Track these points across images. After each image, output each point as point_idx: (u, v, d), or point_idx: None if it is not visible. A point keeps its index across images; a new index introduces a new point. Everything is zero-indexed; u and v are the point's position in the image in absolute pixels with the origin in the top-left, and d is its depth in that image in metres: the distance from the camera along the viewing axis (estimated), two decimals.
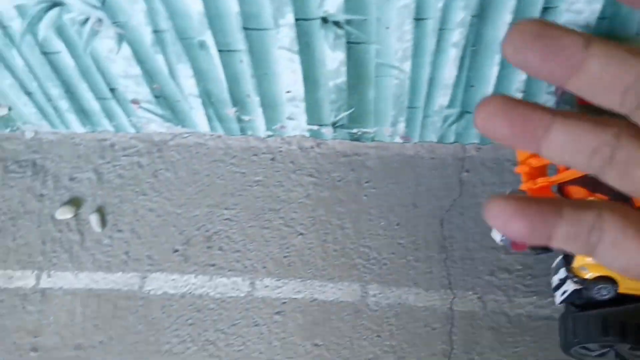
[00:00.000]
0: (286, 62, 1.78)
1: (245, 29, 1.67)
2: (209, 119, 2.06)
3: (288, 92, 1.90)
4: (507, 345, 1.81)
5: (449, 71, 1.77)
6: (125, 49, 1.78)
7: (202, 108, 2.01)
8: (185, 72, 1.85)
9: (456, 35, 1.64)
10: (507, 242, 1.63)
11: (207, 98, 1.96)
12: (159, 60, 1.81)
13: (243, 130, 2.12)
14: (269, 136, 2.15)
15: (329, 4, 1.58)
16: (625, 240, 0.21)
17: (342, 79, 1.82)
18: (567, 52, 0.19)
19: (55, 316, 1.90)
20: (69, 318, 1.89)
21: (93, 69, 1.87)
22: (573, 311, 1.55)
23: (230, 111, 2.02)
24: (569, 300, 1.52)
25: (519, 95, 1.86)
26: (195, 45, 1.75)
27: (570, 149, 0.21)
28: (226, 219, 2.03)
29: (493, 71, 1.75)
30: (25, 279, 1.96)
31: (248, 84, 1.88)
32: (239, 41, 1.71)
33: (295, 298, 1.90)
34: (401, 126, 1.99)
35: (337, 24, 1.64)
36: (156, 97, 1.97)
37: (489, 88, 1.84)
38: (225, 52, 1.76)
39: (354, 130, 2.05)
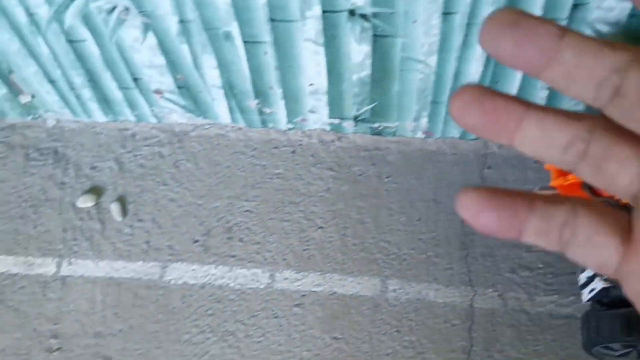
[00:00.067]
0: (311, 55, 1.78)
1: (272, 20, 1.67)
2: (231, 111, 2.06)
3: (311, 84, 1.90)
4: (528, 343, 1.80)
5: (475, 67, 1.76)
6: (151, 39, 1.78)
7: (225, 99, 2.01)
8: (209, 63, 1.85)
9: None
10: None
11: (230, 89, 1.96)
12: (183, 51, 1.82)
13: (264, 123, 2.12)
14: (290, 129, 2.14)
15: None
16: (598, 237, 0.20)
17: (366, 72, 1.81)
18: (541, 41, 0.19)
19: (75, 304, 1.91)
20: (89, 306, 1.90)
21: (118, 58, 1.87)
22: (599, 309, 1.54)
23: (253, 103, 2.01)
24: (595, 299, 1.51)
25: (545, 94, 1.84)
26: (221, 36, 1.74)
27: (544, 142, 0.21)
28: (246, 211, 2.03)
29: None
30: (46, 266, 1.97)
31: (271, 76, 1.88)
32: (264, 32, 1.71)
33: (315, 291, 1.90)
34: (424, 121, 1.99)
35: (364, 16, 1.63)
36: (179, 87, 1.98)
37: (514, 84, 1.82)
38: (250, 43, 1.76)
39: (376, 125, 2.04)
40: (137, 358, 1.82)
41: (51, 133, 2.22)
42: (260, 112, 2.06)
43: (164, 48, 1.81)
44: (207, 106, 2.06)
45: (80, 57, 1.89)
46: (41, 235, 2.02)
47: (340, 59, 1.77)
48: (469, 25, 1.61)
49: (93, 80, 1.98)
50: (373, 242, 1.96)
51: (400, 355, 1.81)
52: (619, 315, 1.51)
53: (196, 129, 2.18)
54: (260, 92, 1.95)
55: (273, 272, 1.94)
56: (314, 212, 2.02)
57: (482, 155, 2.02)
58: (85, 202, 2.04)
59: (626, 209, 0.21)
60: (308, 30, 1.68)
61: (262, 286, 1.92)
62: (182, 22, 1.71)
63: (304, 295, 1.90)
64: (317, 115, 2.05)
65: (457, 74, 1.78)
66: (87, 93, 2.05)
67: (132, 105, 2.09)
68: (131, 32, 1.77)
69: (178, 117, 2.14)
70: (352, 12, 1.62)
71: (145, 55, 1.85)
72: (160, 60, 1.86)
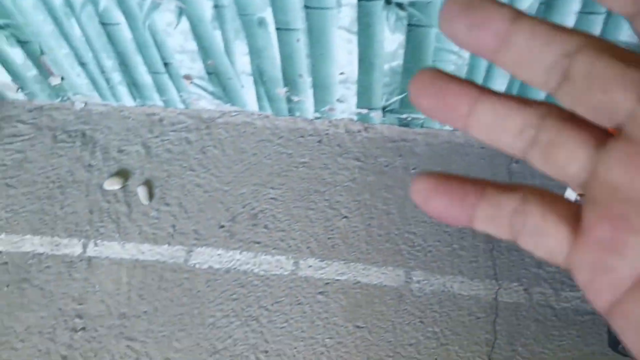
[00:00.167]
0: (343, 43, 1.78)
1: (307, 7, 1.67)
2: (259, 98, 2.07)
3: (341, 73, 1.90)
4: (552, 338, 1.79)
5: None
6: (184, 23, 1.79)
7: (253, 87, 2.01)
8: (240, 50, 1.86)
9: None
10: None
11: (259, 77, 1.96)
12: (216, 36, 1.82)
13: (291, 111, 2.12)
14: (317, 118, 2.15)
15: None
16: (547, 226, 0.20)
17: (398, 62, 1.81)
18: (493, 25, 0.19)
19: (100, 285, 1.92)
20: (115, 287, 1.91)
21: (150, 42, 1.88)
22: None
23: (281, 91, 2.02)
24: None
25: None
26: (254, 22, 1.75)
27: (496, 128, 0.20)
28: (272, 198, 2.04)
29: None
30: (72, 247, 1.99)
31: (302, 64, 1.88)
32: (298, 19, 1.71)
33: (339, 279, 1.91)
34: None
35: (400, 5, 1.63)
36: (209, 73, 1.98)
37: None
38: (283, 30, 1.76)
39: (404, 116, 2.04)
40: (160, 340, 1.83)
41: (79, 116, 2.24)
42: (289, 100, 2.06)
43: (197, 33, 1.82)
44: (236, 93, 2.06)
45: (113, 40, 1.90)
46: (68, 216, 2.04)
47: (372, 47, 1.77)
48: None
49: (124, 64, 1.99)
50: (398, 234, 1.96)
51: (424, 346, 1.81)
52: None
53: (223, 115, 2.19)
54: (290, 80, 1.96)
55: (297, 260, 1.94)
56: (339, 202, 2.03)
57: None
58: (112, 185, 2.05)
59: None
60: (342, 18, 1.69)
61: (286, 273, 1.92)
62: (217, 7, 1.72)
63: (327, 284, 1.91)
64: (345, 105, 2.05)
65: (489, 67, 1.78)
66: (116, 77, 2.07)
67: (160, 90, 2.10)
68: (165, 16, 1.78)
69: (206, 103, 2.15)
70: (388, 1, 1.62)
71: (177, 39, 1.86)
72: (192, 45, 1.87)
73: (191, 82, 2.04)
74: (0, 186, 2.11)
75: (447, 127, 2.05)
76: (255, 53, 1.86)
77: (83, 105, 2.25)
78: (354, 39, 1.74)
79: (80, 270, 1.95)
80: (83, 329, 1.86)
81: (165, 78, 2.03)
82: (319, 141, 2.13)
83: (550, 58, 0.18)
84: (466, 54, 1.74)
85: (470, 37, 0.19)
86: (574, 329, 1.80)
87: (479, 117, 0.20)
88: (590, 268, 0.19)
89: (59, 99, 2.24)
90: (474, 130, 0.21)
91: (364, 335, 1.84)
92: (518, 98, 0.20)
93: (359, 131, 2.12)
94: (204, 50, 1.88)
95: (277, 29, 1.75)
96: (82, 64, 2.03)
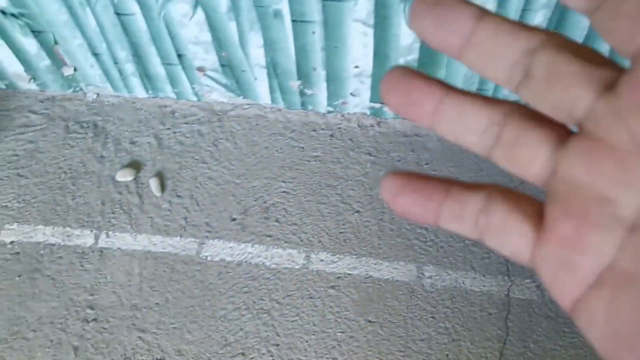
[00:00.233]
0: (359, 36, 1.77)
1: None
2: (272, 91, 2.06)
3: (356, 67, 1.89)
4: (564, 335, 1.79)
5: None
6: (200, 14, 1.79)
7: (267, 79, 2.01)
8: (255, 41, 1.85)
9: (539, 17, 1.61)
10: None
11: (273, 69, 1.95)
12: (231, 28, 1.82)
13: (304, 105, 2.12)
14: (329, 112, 2.14)
15: None
16: (511, 224, 0.20)
17: (413, 56, 1.80)
18: (459, 23, 0.19)
19: (112, 276, 1.92)
20: (126, 278, 1.91)
21: (164, 33, 1.88)
22: None
23: (294, 84, 2.01)
24: None
25: None
26: (270, 14, 1.74)
27: (461, 126, 0.20)
28: (283, 192, 2.04)
29: None
30: (84, 238, 1.99)
31: (317, 57, 1.87)
32: (314, 12, 1.71)
33: (350, 274, 1.90)
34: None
35: None
36: (222, 65, 1.98)
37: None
38: (299, 22, 1.75)
39: None
40: (172, 332, 1.83)
41: (91, 107, 2.24)
42: (302, 94, 2.05)
43: (212, 24, 1.81)
44: (249, 86, 2.06)
45: (127, 31, 1.90)
46: (80, 207, 2.04)
47: (388, 41, 1.76)
48: (524, 11, 1.59)
49: (137, 55, 1.99)
50: (410, 229, 1.95)
51: (435, 341, 1.80)
52: None
53: (235, 108, 2.18)
54: (303, 73, 1.95)
55: (309, 254, 1.94)
56: (351, 196, 2.02)
57: None
58: (124, 176, 2.05)
59: None
60: (359, 10, 1.68)
61: (297, 267, 1.92)
62: None
63: (339, 278, 1.90)
64: (358, 99, 2.04)
65: None
66: (130, 68, 2.06)
67: (173, 82, 2.09)
68: (180, 7, 1.78)
69: (218, 96, 2.15)
70: None
71: (192, 31, 1.86)
72: (207, 36, 1.86)
73: (204, 74, 2.03)
74: (12, 176, 2.11)
75: None
76: (269, 45, 1.86)
77: (95, 96, 2.24)
78: (370, 32, 1.74)
79: (92, 261, 1.95)
80: (95, 319, 1.86)
81: (178, 70, 2.03)
82: (331, 135, 2.13)
83: (513, 56, 0.19)
84: None
85: (437, 35, 0.19)
86: None
87: (444, 115, 0.20)
88: (553, 265, 0.19)
89: (71, 90, 2.24)
90: (440, 128, 0.21)
91: (375, 330, 1.83)
92: (483, 97, 0.20)
93: (372, 125, 2.11)
94: (219, 42, 1.88)
95: (293, 20, 1.75)
96: (96, 55, 2.03)
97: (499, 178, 1.97)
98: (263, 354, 1.79)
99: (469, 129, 0.20)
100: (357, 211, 2.00)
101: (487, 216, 0.21)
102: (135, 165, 2.09)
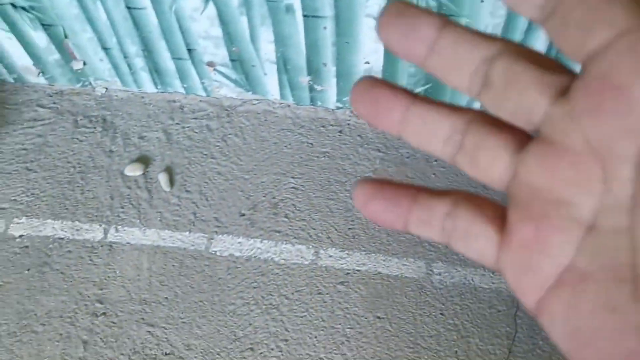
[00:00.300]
0: (370, 31, 1.77)
1: None
2: (281, 87, 2.06)
3: (366, 62, 1.89)
4: None
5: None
6: (211, 9, 1.78)
7: (276, 75, 2.01)
8: (266, 37, 1.85)
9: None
10: None
11: (283, 64, 1.95)
12: (242, 22, 1.81)
13: (313, 101, 2.12)
14: (338, 108, 2.14)
15: None
16: (476, 228, 0.21)
17: None
18: (421, 32, 0.20)
19: (121, 270, 1.92)
20: (136, 273, 1.91)
21: (175, 27, 1.88)
22: None
23: (304, 79, 2.01)
24: None
25: None
26: (282, 9, 1.74)
27: (426, 134, 0.21)
28: (292, 188, 2.03)
29: None
30: (93, 232, 1.99)
31: (327, 52, 1.87)
32: (326, 6, 1.70)
33: (359, 270, 1.90)
34: (477, 105, 1.97)
35: None
36: (232, 60, 1.98)
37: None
38: (310, 17, 1.75)
39: None
40: (181, 326, 1.83)
41: (100, 101, 2.24)
42: (311, 89, 2.05)
43: (223, 19, 1.81)
44: (258, 81, 2.06)
45: (138, 25, 1.89)
46: (89, 201, 2.04)
47: None
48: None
49: (147, 50, 1.99)
50: None
51: (444, 338, 1.80)
52: None
53: (244, 104, 2.18)
54: (314, 69, 1.95)
55: (318, 249, 1.94)
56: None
57: None
58: (133, 171, 2.05)
59: None
60: (371, 5, 1.67)
61: (306, 262, 1.92)
62: None
63: (348, 274, 1.90)
64: None
65: None
66: (139, 62, 2.06)
67: (183, 77, 2.09)
68: (192, 1, 1.77)
69: (227, 91, 2.14)
70: None
71: (203, 25, 1.85)
72: (217, 31, 1.86)
73: (214, 69, 2.03)
74: (20, 170, 2.11)
75: None
76: (280, 40, 1.85)
77: (104, 90, 2.24)
78: None
79: (101, 255, 1.95)
80: (104, 314, 1.86)
81: (188, 64, 2.03)
82: (340, 131, 2.12)
83: (473, 64, 0.19)
84: None
85: (402, 44, 0.20)
86: None
87: (410, 124, 0.21)
88: (516, 268, 0.20)
89: (80, 84, 2.24)
90: (407, 135, 0.22)
91: (384, 326, 1.83)
92: (447, 105, 0.21)
93: None
94: (229, 37, 1.87)
95: (305, 15, 1.74)
96: (106, 49, 2.03)
97: None
98: (272, 349, 1.80)
99: (434, 136, 0.21)
100: None
101: (453, 221, 0.21)
102: (144, 160, 2.09)
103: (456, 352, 1.79)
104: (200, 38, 1.90)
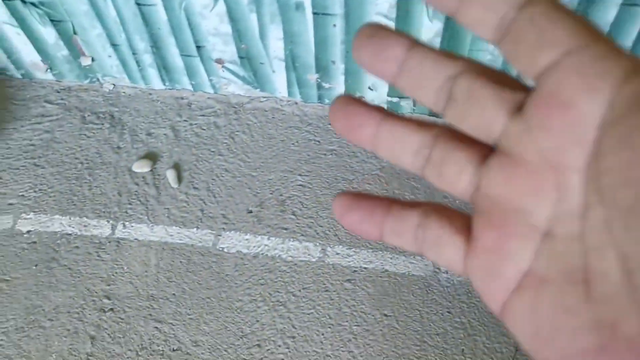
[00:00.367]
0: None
1: None
2: (289, 84, 2.06)
3: None
4: None
5: None
6: (221, 6, 1.79)
7: (285, 72, 2.01)
8: (275, 34, 1.85)
9: None
10: None
11: (292, 62, 1.96)
12: (251, 20, 1.82)
13: (320, 98, 2.12)
14: None
15: None
16: (445, 237, 0.22)
17: None
18: (392, 52, 0.21)
19: (129, 266, 1.93)
20: (143, 269, 1.92)
21: (184, 24, 1.88)
22: None
23: (312, 77, 2.01)
24: None
25: None
26: (292, 6, 1.74)
27: (397, 148, 0.22)
28: (300, 185, 2.04)
29: None
30: (101, 228, 1.99)
31: (336, 50, 1.87)
32: (336, 4, 1.70)
33: (366, 267, 1.91)
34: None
35: None
36: (241, 57, 1.98)
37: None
38: (320, 15, 1.75)
39: None
40: (188, 322, 1.84)
41: (107, 97, 2.24)
42: (319, 87, 2.05)
43: (232, 16, 1.81)
44: (266, 78, 2.06)
45: (147, 22, 1.90)
46: (96, 197, 2.04)
47: None
48: None
49: (156, 47, 1.99)
50: None
51: (451, 336, 1.81)
52: None
53: (252, 101, 2.19)
54: (322, 66, 1.95)
55: (325, 247, 1.94)
56: (368, 190, 2.02)
57: None
58: (141, 167, 2.05)
59: None
60: (381, 3, 1.68)
61: (313, 260, 1.92)
62: None
63: (355, 271, 1.91)
64: (376, 93, 2.04)
65: None
66: (148, 59, 2.06)
67: (191, 73, 2.09)
68: None
69: (235, 88, 2.15)
70: None
71: (212, 22, 1.86)
72: (227, 28, 1.86)
73: (222, 66, 2.03)
74: (28, 166, 2.12)
75: None
76: (289, 38, 1.86)
77: (112, 87, 2.24)
78: (392, 25, 1.73)
79: (108, 251, 1.95)
80: (111, 309, 1.87)
81: (196, 61, 2.03)
82: None
83: (438, 82, 0.21)
84: None
85: (374, 63, 0.21)
86: None
87: (382, 139, 0.23)
88: (481, 273, 0.21)
89: (88, 80, 2.24)
90: (379, 150, 0.23)
91: (391, 324, 1.84)
92: (416, 121, 0.23)
93: None
94: (239, 34, 1.88)
95: (314, 13, 1.75)
96: (114, 45, 2.03)
97: None
98: (279, 346, 1.80)
99: (403, 151, 0.22)
100: None
101: (423, 231, 0.23)
102: (152, 157, 2.09)
103: (463, 350, 1.79)
104: (210, 35, 1.90)
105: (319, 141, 2.11)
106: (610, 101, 0.17)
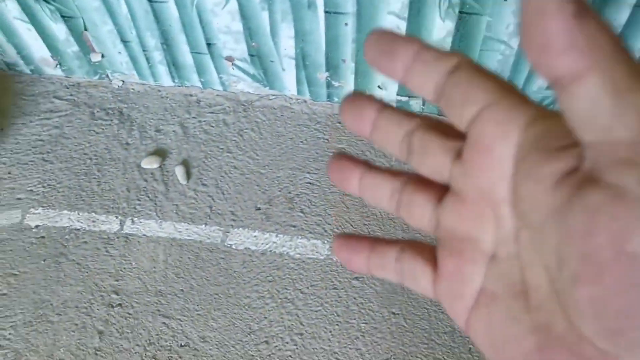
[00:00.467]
0: (392, 29, 1.77)
1: None
2: (299, 82, 2.07)
3: None
4: None
5: None
6: (233, 3, 1.79)
7: (294, 70, 2.02)
8: (286, 32, 1.86)
9: None
10: None
11: (302, 60, 1.96)
12: (263, 18, 1.82)
13: (330, 97, 2.13)
14: None
15: None
16: (417, 269, 0.26)
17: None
18: (366, 114, 0.25)
19: (137, 262, 1.93)
20: (151, 265, 1.92)
21: (195, 21, 1.89)
22: None
23: (322, 75, 2.02)
24: None
25: None
26: (304, 5, 1.75)
27: (376, 195, 0.27)
28: (308, 183, 2.04)
29: None
30: (109, 224, 2.00)
31: (347, 49, 1.88)
32: (348, 3, 1.71)
33: None
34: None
35: None
36: (251, 55, 1.99)
37: None
38: (332, 13, 1.76)
39: None
40: (196, 318, 1.84)
41: (116, 94, 2.24)
42: (329, 85, 2.06)
43: (244, 13, 1.82)
44: (276, 76, 2.07)
45: (158, 19, 1.90)
46: (105, 193, 2.05)
47: (421, 34, 1.77)
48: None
49: (167, 44, 2.00)
50: None
51: (458, 334, 1.81)
52: None
53: (261, 99, 2.19)
54: (332, 65, 1.96)
55: (333, 245, 1.94)
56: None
57: None
58: (150, 164, 2.06)
59: None
60: (393, 2, 1.68)
61: (321, 257, 1.93)
62: None
63: None
64: (385, 92, 2.05)
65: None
66: (158, 56, 2.07)
67: (200, 71, 2.10)
68: None
69: (244, 86, 2.15)
70: None
71: (224, 20, 1.86)
72: (238, 26, 1.87)
73: (232, 64, 2.04)
74: (37, 161, 2.12)
75: None
76: (300, 36, 1.86)
77: (121, 83, 2.25)
78: (403, 25, 1.74)
79: (117, 247, 1.96)
80: (120, 305, 1.87)
81: (207, 59, 2.03)
82: None
83: (399, 136, 0.25)
84: (515, 44, 1.73)
85: (354, 123, 0.25)
86: None
87: (364, 188, 0.27)
88: (447, 296, 0.25)
89: (97, 77, 2.24)
90: (364, 197, 0.27)
91: (399, 322, 1.84)
92: (390, 171, 0.27)
93: None
94: (250, 32, 1.88)
95: (326, 12, 1.75)
96: (125, 42, 2.04)
97: None
98: (287, 343, 1.80)
99: (380, 196, 0.27)
100: None
101: (401, 265, 0.26)
102: (161, 153, 2.10)
103: (470, 349, 1.80)
104: (221, 33, 1.91)
105: (327, 139, 2.12)
106: (519, 142, 0.20)
